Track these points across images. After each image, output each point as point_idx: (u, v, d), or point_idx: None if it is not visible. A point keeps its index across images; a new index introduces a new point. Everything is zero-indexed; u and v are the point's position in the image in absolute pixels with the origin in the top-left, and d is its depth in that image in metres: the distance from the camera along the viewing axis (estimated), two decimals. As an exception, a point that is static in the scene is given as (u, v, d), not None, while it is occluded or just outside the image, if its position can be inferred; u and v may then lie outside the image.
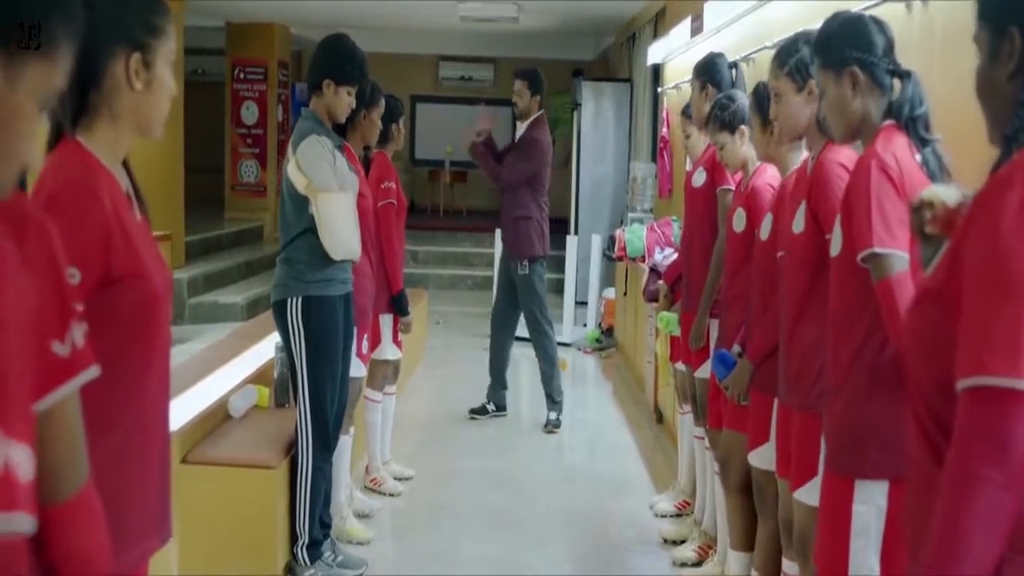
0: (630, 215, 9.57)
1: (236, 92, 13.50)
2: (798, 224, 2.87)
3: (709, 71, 4.41)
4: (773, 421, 3.18)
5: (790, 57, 2.95)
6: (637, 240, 8.05)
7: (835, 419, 2.43)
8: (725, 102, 3.96)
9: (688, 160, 7.37)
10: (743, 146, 3.90)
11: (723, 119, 3.94)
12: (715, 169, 4.36)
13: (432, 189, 16.03)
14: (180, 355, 8.10)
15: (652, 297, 6.84)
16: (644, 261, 7.74)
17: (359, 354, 4.42)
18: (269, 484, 3.99)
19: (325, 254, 3.91)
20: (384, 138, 4.90)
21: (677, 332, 4.80)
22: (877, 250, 2.23)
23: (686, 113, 4.92)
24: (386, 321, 5.07)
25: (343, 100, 4.00)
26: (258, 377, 4.89)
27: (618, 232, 8.34)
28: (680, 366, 4.91)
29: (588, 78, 12.11)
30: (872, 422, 2.33)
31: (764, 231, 3.35)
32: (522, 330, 6.76)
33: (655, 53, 8.61)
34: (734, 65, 4.36)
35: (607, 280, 9.67)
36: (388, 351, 5.14)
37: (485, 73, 16.59)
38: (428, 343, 8.98)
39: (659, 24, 9.35)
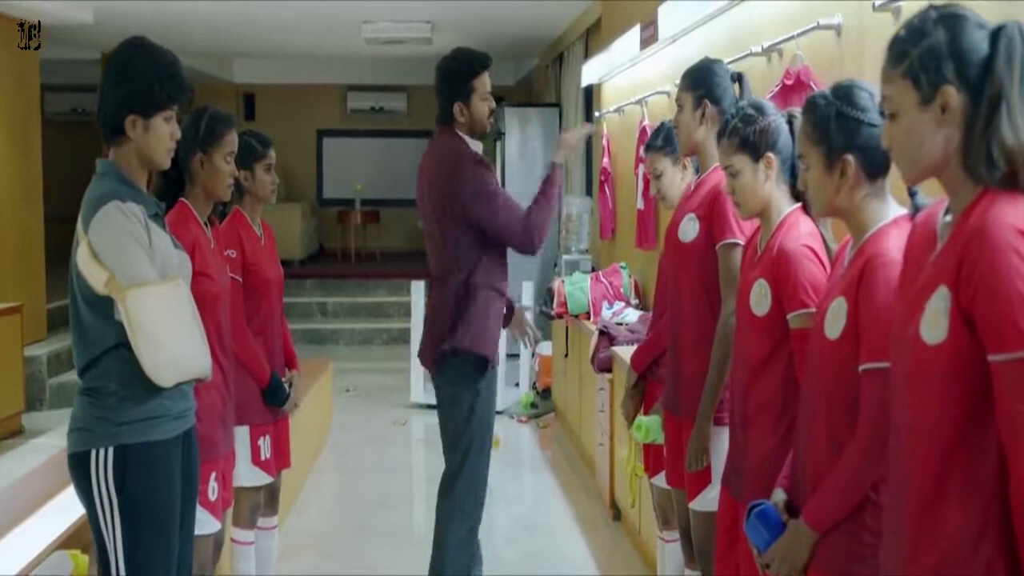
0: (564, 257, 8.40)
1: (117, 131, 11.97)
2: (933, 327, 1.65)
3: (707, 82, 3.15)
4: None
5: (912, 47, 1.69)
6: (580, 293, 6.84)
7: None
8: (752, 114, 2.70)
9: (640, 198, 6.23)
10: (766, 182, 2.68)
11: (746, 136, 2.69)
12: (713, 216, 3.14)
13: (342, 232, 14.63)
14: (28, 456, 6.56)
15: (604, 367, 5.60)
16: (590, 319, 6.54)
17: (205, 504, 3.05)
18: None
19: (147, 379, 2.56)
20: (236, 189, 3.55)
21: (660, 441, 3.55)
22: None
23: (655, 146, 3.69)
24: (240, 436, 3.62)
25: (160, 134, 2.63)
26: (79, 533, 3.47)
27: (556, 284, 7.10)
28: (660, 482, 3.66)
29: (511, 104, 11.04)
30: None
31: (832, 326, 2.13)
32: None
33: (591, 72, 7.42)
34: (738, 78, 3.11)
35: (542, 333, 8.41)
36: (244, 476, 3.70)
37: (398, 103, 15.39)
38: (334, 420, 7.61)
39: (591, 40, 8.18)
